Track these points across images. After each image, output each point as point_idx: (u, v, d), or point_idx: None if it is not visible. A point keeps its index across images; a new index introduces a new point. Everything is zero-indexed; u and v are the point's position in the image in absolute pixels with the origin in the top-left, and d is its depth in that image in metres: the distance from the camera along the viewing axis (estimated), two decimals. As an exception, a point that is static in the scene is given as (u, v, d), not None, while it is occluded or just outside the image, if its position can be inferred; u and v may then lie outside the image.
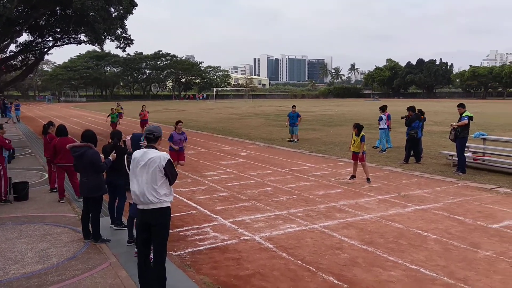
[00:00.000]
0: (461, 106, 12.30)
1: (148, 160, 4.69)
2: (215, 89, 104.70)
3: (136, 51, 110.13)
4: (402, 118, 14.81)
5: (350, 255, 6.07)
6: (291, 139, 19.17)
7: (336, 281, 5.21)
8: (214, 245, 6.52)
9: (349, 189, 10.13)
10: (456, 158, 12.28)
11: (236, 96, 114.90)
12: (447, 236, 6.83)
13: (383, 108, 16.62)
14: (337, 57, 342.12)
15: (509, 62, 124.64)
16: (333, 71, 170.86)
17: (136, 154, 4.86)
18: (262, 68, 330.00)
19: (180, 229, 7.24)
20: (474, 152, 13.40)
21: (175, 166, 10.26)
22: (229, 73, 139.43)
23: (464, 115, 12.06)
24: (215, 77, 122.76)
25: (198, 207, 8.68)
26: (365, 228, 7.26)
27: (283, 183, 10.85)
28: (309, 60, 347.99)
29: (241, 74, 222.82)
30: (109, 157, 6.85)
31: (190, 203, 9.00)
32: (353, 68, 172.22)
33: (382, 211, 8.28)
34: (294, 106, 19.78)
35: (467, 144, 12.73)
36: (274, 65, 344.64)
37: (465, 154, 12.41)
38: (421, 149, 14.34)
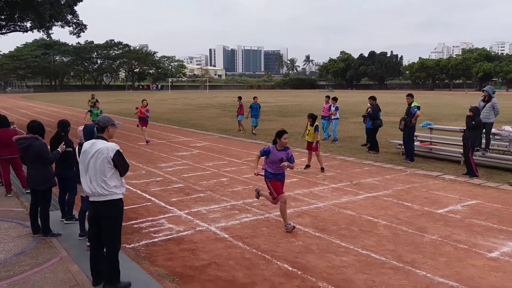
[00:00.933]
0: (410, 96, 12.79)
1: (95, 151, 4.56)
2: (170, 80, 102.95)
3: (87, 40, 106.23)
4: (363, 116, 15.01)
5: (304, 242, 6.19)
6: (253, 131, 19.05)
7: (290, 268, 5.31)
8: (169, 236, 6.45)
9: (304, 179, 10.31)
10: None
11: (191, 87, 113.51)
12: (396, 222, 7.11)
13: (335, 99, 16.95)
14: (293, 48, 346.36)
15: (455, 55, 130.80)
16: (288, 62, 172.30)
17: (85, 145, 4.72)
18: (218, 58, 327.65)
19: (134, 222, 7.10)
20: (422, 141, 14.00)
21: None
22: (184, 64, 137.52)
23: (413, 105, 12.54)
24: (170, 67, 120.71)
25: (153, 199, 8.54)
26: (318, 216, 7.42)
27: (239, 173, 10.88)
28: (265, 51, 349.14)
29: (197, 64, 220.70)
30: (58, 149, 6.58)
31: (145, 195, 8.84)
32: (308, 59, 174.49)
33: (335, 199, 8.50)
34: (255, 97, 19.82)
35: (415, 133, 13.28)
36: (230, 55, 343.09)
37: (415, 143, 12.96)
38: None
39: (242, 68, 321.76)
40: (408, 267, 5.36)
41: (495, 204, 8.13)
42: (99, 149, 4.55)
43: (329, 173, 10.90)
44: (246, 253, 5.80)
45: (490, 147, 11.89)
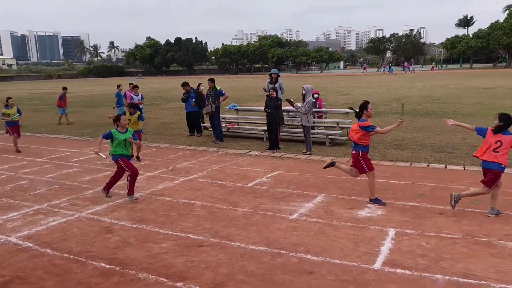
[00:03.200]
0: (211, 80, 13.44)
1: None
2: None
3: None
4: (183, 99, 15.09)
5: (121, 236, 5.96)
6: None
7: (108, 266, 5.04)
8: (-46, 258, 5.39)
9: (117, 170, 9.87)
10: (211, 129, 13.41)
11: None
12: (211, 201, 7.44)
13: (136, 86, 16.54)
14: (95, 34, 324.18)
15: (253, 41, 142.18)
16: (91, 49, 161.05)
17: None
18: (6, 46, 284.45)
19: None
20: (230, 122, 14.90)
21: None
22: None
23: (219, 88, 13.25)
24: None
25: None
26: (135, 207, 7.23)
27: (42, 173, 9.76)
28: (63, 37, 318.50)
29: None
30: None
31: None
32: (112, 45, 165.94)
33: (152, 187, 8.40)
34: (119, 85, 18.06)
35: (223, 115, 14.05)
36: (20, 42, 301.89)
37: (223, 125, 13.70)
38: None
39: (38, 56, 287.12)
40: (224, 241, 5.67)
41: (293, 173, 9.25)
42: None
43: (144, 161, 10.70)
44: (56, 260, 5.27)
45: (285, 122, 13.39)
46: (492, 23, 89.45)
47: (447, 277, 4.52)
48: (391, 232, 5.83)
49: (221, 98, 13.23)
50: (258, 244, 5.52)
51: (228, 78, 76.39)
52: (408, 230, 5.85)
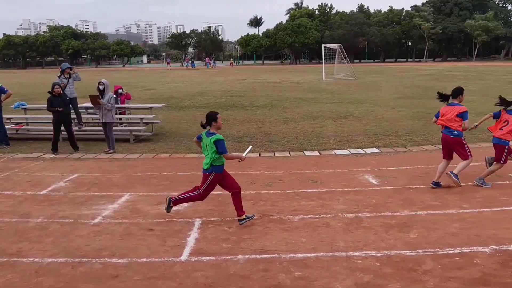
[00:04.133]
0: None
1: None
2: None
3: None
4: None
5: None
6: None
7: None
8: None
9: None
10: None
11: None
12: (-5, 215, 6.41)
13: None
14: None
15: (43, 32, 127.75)
16: None
17: None
18: None
19: None
20: (17, 123, 13.10)
21: None
22: None
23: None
24: None
25: None
26: None
27: None
28: None
29: None
30: None
31: None
32: None
33: None
34: None
35: (8, 116, 12.27)
36: None
37: (8, 126, 11.96)
38: None
39: None
40: (14, 258, 4.96)
41: (95, 173, 8.69)
42: None
43: None
44: None
45: (83, 121, 12.52)
46: (277, 24, 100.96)
47: (247, 256, 4.92)
48: (197, 222, 6.03)
49: (3, 96, 11.50)
50: (56, 256, 5.00)
51: (14, 73, 67.09)
52: (213, 218, 6.15)
